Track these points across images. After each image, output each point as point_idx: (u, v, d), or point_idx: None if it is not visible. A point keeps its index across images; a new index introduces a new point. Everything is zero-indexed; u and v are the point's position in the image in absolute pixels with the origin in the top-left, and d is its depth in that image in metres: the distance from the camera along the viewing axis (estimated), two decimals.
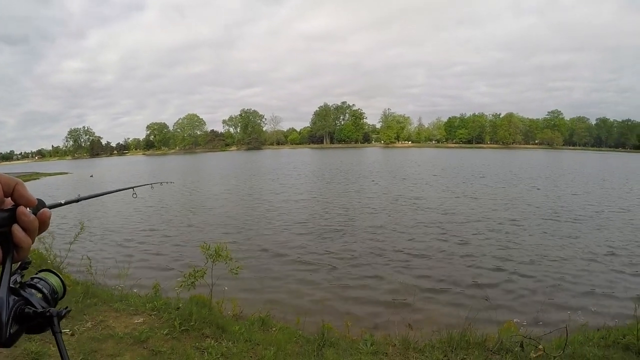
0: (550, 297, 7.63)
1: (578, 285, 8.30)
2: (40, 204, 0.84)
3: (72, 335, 4.40)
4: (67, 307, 0.90)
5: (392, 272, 9.13)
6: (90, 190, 29.32)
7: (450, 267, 9.46)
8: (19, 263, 0.84)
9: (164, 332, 4.55)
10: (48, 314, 0.81)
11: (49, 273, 0.94)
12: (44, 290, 0.88)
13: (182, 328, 4.65)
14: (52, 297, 0.90)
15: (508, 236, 12.15)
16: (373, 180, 29.54)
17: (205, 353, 4.24)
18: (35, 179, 45.60)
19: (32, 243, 0.80)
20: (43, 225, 0.83)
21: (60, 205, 1.22)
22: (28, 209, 0.78)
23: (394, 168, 43.19)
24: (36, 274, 0.93)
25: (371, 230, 13.06)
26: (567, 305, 7.29)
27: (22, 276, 0.87)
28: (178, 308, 5.22)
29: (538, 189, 23.96)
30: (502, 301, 7.59)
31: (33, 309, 0.81)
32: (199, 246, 6.02)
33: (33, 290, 0.86)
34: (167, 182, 7.15)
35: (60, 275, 0.95)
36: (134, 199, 3.27)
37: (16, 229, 0.76)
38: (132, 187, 2.93)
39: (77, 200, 1.45)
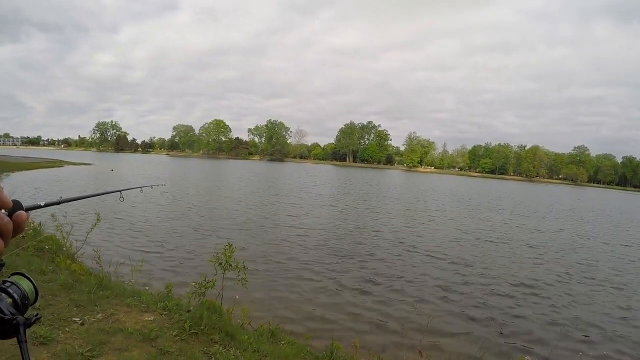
0: (565, 338, 7.38)
1: (595, 328, 8.05)
2: (17, 205, 0.82)
3: (82, 324, 4.39)
4: (37, 314, 0.87)
5: (405, 298, 8.91)
6: (108, 183, 29.86)
7: (467, 298, 9.19)
8: None
9: (174, 333, 4.49)
10: (15, 322, 0.80)
11: (22, 277, 0.92)
12: (15, 295, 0.86)
13: (192, 331, 4.58)
14: (23, 303, 0.87)
15: (532, 273, 11.76)
16: (390, 212, 29.23)
17: (213, 359, 4.16)
18: (58, 167, 47.07)
19: (6, 246, 0.77)
20: (18, 228, 0.80)
21: (39, 207, 1.18)
22: (2, 211, 0.77)
23: (420, 196, 42.83)
24: (8, 277, 0.90)
25: (388, 255, 12.81)
26: (581, 347, 7.09)
27: None
28: (189, 310, 5.17)
29: (578, 234, 23.26)
30: (516, 337, 7.38)
31: (0, 314, 0.79)
32: (208, 260, 6.03)
33: (3, 295, 0.84)
34: (157, 185, 7.12)
35: (33, 280, 0.93)
36: (121, 202, 3.24)
37: None
38: (120, 191, 2.90)
39: (58, 203, 1.40)
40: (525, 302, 9.12)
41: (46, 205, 1.25)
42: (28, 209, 0.89)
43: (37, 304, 0.91)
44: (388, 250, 13.18)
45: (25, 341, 0.81)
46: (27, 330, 0.83)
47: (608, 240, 19.26)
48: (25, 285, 0.90)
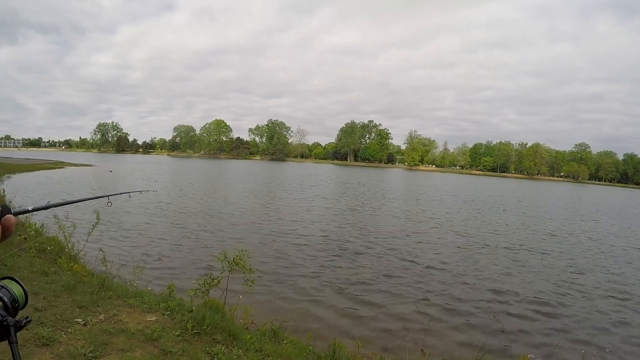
0: (568, 335, 7.37)
1: (597, 327, 8.04)
2: (5, 209, 0.84)
3: (85, 325, 4.38)
4: (27, 317, 0.88)
5: (407, 296, 8.90)
6: (106, 184, 29.86)
7: (469, 296, 9.18)
8: None
9: (176, 333, 4.49)
10: (5, 323, 0.82)
11: (12, 281, 0.93)
12: (5, 298, 0.88)
13: (194, 331, 4.58)
14: (13, 306, 0.89)
15: (534, 271, 11.78)
16: (393, 213, 29.12)
17: (216, 359, 4.15)
18: (60, 168, 47.36)
19: None
20: (6, 231, 0.82)
21: (28, 212, 1.20)
22: None
23: (424, 196, 42.72)
24: None
25: (390, 255, 12.80)
26: (583, 343, 7.08)
27: None
28: (191, 311, 5.16)
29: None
30: (518, 334, 7.37)
31: None
32: (216, 257, 6.06)
33: None
34: (148, 191, 7.10)
35: (23, 284, 0.94)
36: (109, 207, 3.24)
37: None
38: (108, 196, 2.90)
39: (46, 207, 1.41)
40: (529, 304, 9.06)
41: (34, 210, 1.26)
42: (16, 214, 0.90)
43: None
44: (390, 253, 13.12)
45: (16, 342, 0.82)
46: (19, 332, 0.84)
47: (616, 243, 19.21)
48: (16, 289, 0.91)
